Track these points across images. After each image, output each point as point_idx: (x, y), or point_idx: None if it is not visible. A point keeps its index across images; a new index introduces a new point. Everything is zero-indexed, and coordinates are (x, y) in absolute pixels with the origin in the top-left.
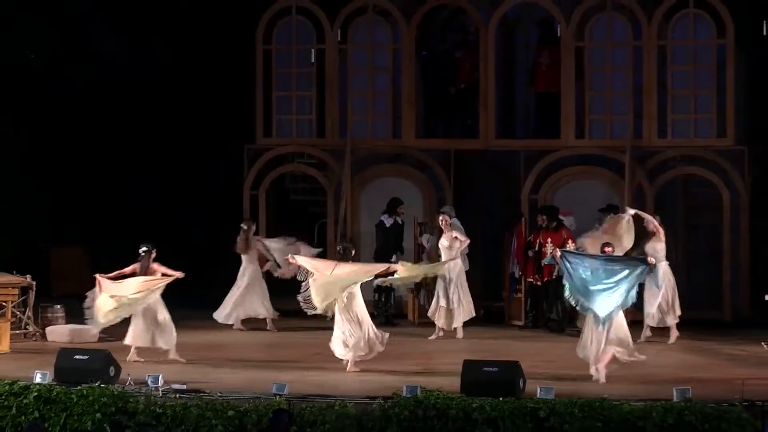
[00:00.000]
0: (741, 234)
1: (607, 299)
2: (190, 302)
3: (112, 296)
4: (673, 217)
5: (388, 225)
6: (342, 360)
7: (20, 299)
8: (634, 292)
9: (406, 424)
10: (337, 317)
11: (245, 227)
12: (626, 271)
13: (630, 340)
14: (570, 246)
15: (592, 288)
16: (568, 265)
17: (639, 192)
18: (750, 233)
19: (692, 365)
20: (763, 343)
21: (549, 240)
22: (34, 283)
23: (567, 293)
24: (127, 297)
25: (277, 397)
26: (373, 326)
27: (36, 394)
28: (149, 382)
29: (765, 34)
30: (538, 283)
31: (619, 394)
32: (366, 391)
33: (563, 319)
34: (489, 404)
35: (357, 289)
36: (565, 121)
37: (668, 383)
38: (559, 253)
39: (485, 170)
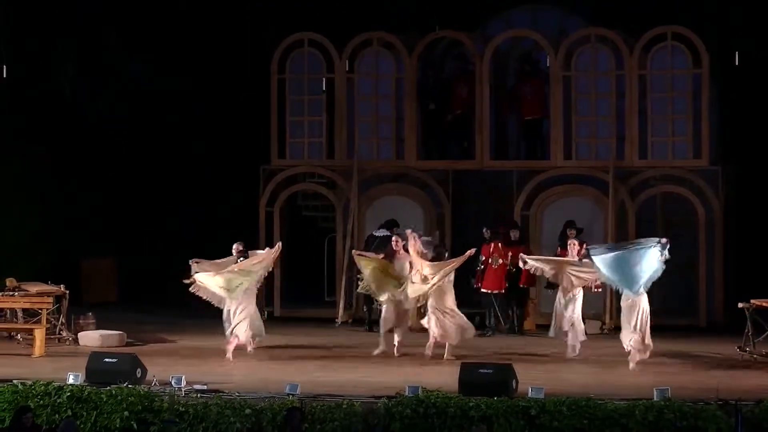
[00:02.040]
0: (715, 247)
1: (636, 277)
2: (211, 311)
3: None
4: (652, 231)
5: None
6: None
7: (55, 307)
8: (659, 268)
9: (408, 421)
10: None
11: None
12: (648, 251)
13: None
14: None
15: (623, 270)
16: (597, 258)
17: (621, 208)
18: (723, 246)
19: (671, 367)
20: (737, 347)
21: (491, 251)
22: (68, 292)
23: (604, 280)
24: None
25: (291, 396)
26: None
27: (69, 394)
28: (173, 382)
29: (737, 64)
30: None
31: (603, 394)
32: (371, 390)
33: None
34: (484, 403)
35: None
36: (554, 144)
37: (649, 383)
38: (584, 251)
39: (481, 189)
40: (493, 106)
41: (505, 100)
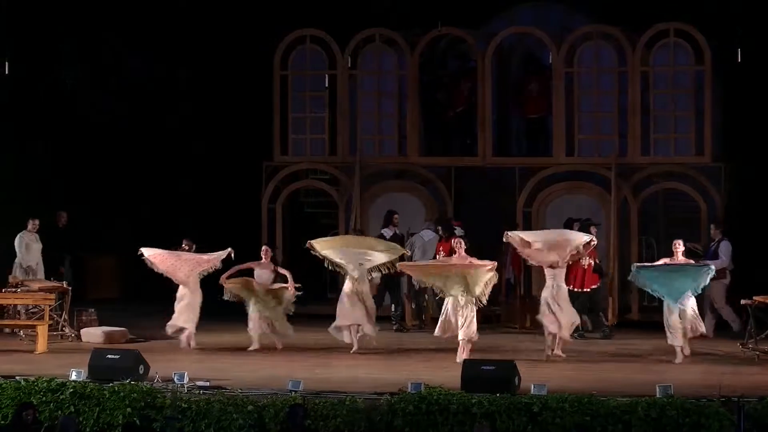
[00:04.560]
0: None
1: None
2: (215, 308)
3: None
4: (655, 228)
5: (388, 237)
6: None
7: (57, 303)
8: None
9: (411, 417)
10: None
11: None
12: (691, 270)
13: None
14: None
15: (669, 283)
16: (645, 272)
17: (624, 205)
18: None
19: (673, 363)
20: (739, 344)
21: (441, 249)
22: (70, 288)
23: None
24: None
25: (293, 393)
26: None
27: (72, 390)
28: (175, 379)
29: (739, 61)
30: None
31: (606, 390)
32: (374, 387)
33: None
34: (487, 400)
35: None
36: (557, 141)
37: (651, 380)
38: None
39: (483, 185)
40: (495, 102)
41: (509, 97)
